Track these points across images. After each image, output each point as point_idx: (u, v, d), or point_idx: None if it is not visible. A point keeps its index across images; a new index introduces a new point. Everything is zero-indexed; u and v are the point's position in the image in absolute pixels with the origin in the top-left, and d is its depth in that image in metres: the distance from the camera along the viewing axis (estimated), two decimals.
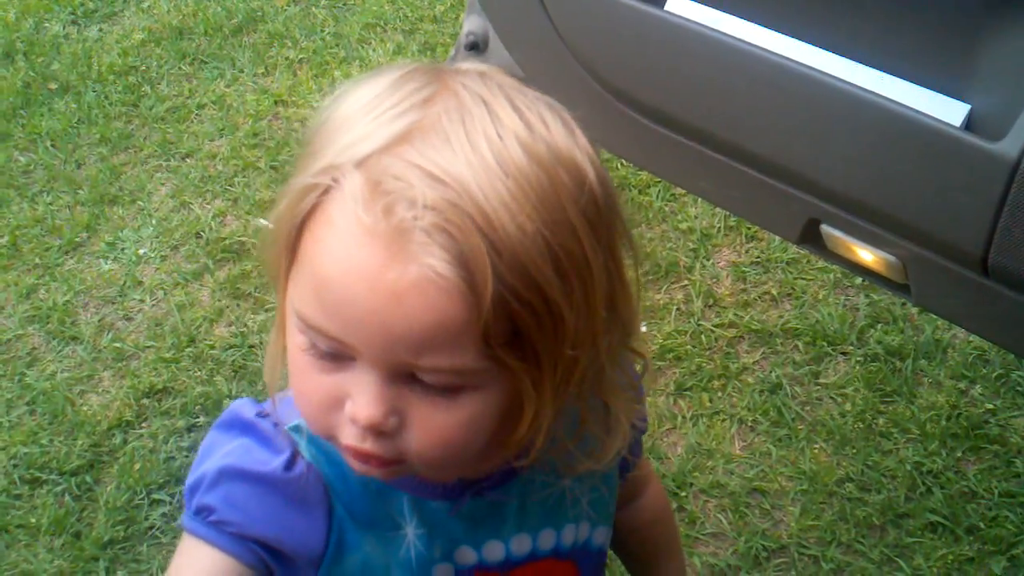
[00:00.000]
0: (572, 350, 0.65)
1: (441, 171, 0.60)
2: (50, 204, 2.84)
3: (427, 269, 0.59)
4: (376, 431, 0.66)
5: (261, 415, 0.78)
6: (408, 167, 0.60)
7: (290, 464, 0.76)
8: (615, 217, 0.69)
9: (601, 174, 0.67)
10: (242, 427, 0.78)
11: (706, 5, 1.00)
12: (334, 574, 0.78)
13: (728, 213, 2.43)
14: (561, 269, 0.63)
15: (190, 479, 0.77)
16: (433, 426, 0.66)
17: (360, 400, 0.65)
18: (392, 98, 0.64)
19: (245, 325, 2.39)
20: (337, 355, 0.65)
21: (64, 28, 3.56)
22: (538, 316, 0.63)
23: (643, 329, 2.23)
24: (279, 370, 0.75)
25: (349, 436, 0.67)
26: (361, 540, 0.78)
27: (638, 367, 0.85)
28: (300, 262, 0.65)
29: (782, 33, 0.96)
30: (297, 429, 0.78)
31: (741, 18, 0.99)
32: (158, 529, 2.02)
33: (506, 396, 0.67)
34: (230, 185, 2.81)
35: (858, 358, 2.13)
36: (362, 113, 0.65)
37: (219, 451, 0.76)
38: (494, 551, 0.82)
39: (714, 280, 2.34)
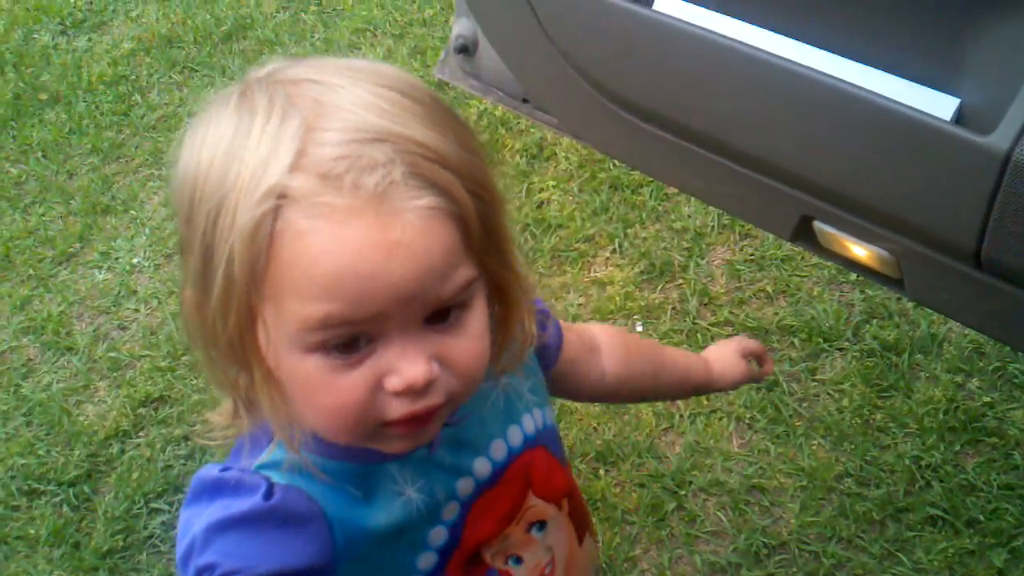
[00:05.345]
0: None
1: (373, 131, 0.64)
2: (42, 215, 2.83)
3: (420, 210, 0.65)
4: (429, 384, 0.69)
5: (224, 470, 0.78)
6: (342, 143, 0.64)
7: (268, 494, 0.76)
8: None
9: None
10: (211, 490, 0.77)
11: (695, 4, 1.01)
12: (360, 561, 0.79)
13: (721, 212, 2.43)
14: (488, 165, 0.73)
15: (180, 550, 0.76)
16: (463, 349, 0.71)
17: (404, 365, 0.68)
18: (257, 117, 0.66)
19: None
20: (353, 345, 0.67)
21: (53, 39, 3.55)
22: (494, 207, 0.72)
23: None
24: (291, 417, 0.74)
25: (399, 409, 0.70)
26: (365, 526, 0.79)
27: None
28: (281, 285, 0.65)
29: (771, 31, 0.96)
30: (265, 467, 0.78)
31: (730, 16, 0.99)
32: (157, 538, 2.02)
33: (487, 305, 0.75)
34: None
35: (854, 354, 2.13)
36: (240, 142, 0.66)
37: (198, 520, 0.76)
38: (482, 468, 0.86)
39: (709, 279, 2.34)
